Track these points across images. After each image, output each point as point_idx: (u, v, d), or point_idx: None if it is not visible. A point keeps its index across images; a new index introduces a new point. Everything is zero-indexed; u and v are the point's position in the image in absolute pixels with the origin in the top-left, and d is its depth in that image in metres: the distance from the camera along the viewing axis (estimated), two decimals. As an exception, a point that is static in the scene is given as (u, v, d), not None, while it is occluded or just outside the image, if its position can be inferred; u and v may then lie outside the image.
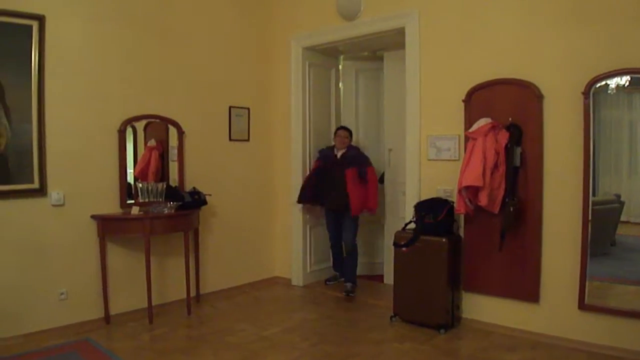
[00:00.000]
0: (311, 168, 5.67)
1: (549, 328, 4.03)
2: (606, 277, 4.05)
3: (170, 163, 5.05)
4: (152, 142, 4.94)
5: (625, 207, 4.12)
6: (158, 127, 4.92)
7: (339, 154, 5.40)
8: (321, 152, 5.60)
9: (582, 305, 3.88)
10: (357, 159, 5.33)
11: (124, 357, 3.70)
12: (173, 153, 5.06)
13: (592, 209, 3.97)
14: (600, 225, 4.23)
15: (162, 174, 4.96)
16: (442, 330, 4.24)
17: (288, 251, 5.85)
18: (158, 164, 4.95)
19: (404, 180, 5.01)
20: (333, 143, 5.53)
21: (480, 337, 4.14)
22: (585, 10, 3.81)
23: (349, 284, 5.43)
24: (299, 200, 5.55)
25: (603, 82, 3.77)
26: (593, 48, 3.77)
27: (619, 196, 4.28)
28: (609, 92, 3.88)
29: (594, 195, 4.09)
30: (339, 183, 5.23)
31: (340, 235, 5.55)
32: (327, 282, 5.87)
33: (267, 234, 5.92)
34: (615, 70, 3.67)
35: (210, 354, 3.84)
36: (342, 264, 5.60)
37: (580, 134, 3.82)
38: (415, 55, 4.69)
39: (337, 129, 5.54)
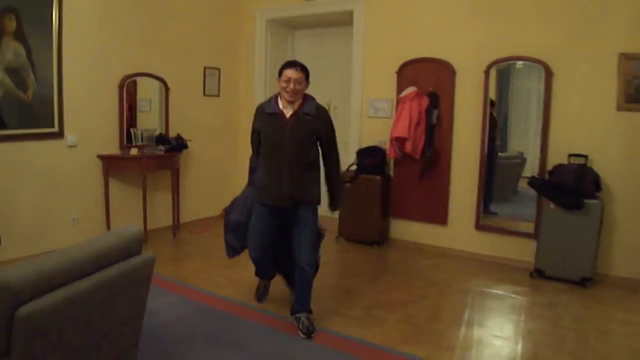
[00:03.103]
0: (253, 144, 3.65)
1: (454, 243, 5.48)
2: (505, 215, 5.48)
3: (139, 114, 5.82)
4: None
5: (528, 164, 5.29)
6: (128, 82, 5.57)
7: (287, 112, 3.35)
8: (258, 112, 3.52)
9: (478, 226, 5.33)
10: (320, 122, 3.42)
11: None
12: (142, 105, 5.89)
13: (498, 162, 5.35)
14: (505, 176, 5.61)
15: (131, 123, 5.65)
16: (375, 246, 5.62)
17: (248, 189, 6.97)
18: (128, 114, 5.64)
19: (347, 132, 6.22)
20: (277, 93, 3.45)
21: (403, 250, 5.57)
22: (488, 9, 5.10)
23: (304, 315, 3.50)
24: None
25: (504, 65, 5.11)
26: (492, 38, 5.08)
27: (522, 153, 5.59)
28: (517, 66, 5.16)
29: (503, 151, 5.45)
30: (295, 162, 3.34)
31: (275, 242, 3.60)
32: (260, 299, 3.96)
33: (232, 173, 6.99)
34: (507, 57, 5.04)
35: (201, 260, 5.04)
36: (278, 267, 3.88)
37: (481, 101, 5.19)
38: (360, 33, 5.89)
39: (284, 65, 3.39)
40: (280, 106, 3.37)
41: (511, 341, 3.45)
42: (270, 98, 3.49)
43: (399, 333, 3.51)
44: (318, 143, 3.47)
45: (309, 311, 3.54)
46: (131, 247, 2.45)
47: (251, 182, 3.73)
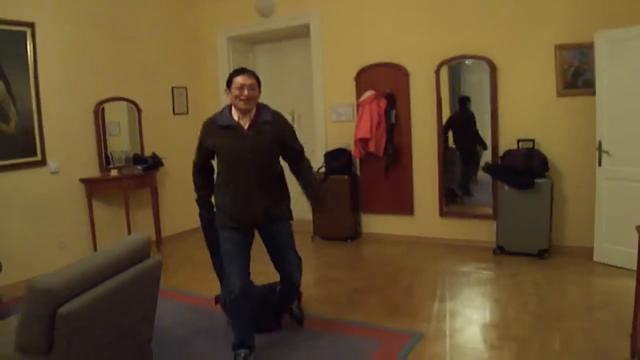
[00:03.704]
0: (196, 161, 3.39)
1: (421, 231, 5.91)
2: (470, 202, 5.98)
3: (109, 137, 5.98)
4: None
5: (485, 154, 5.59)
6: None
7: (244, 123, 3.08)
8: (209, 126, 3.21)
9: (442, 214, 5.78)
10: (281, 128, 3.19)
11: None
12: (111, 127, 6.05)
13: (456, 154, 5.87)
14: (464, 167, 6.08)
15: (104, 145, 5.84)
16: (348, 241, 6.02)
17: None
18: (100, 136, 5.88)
19: (311, 139, 6.57)
20: (229, 103, 3.16)
21: (375, 242, 5.99)
22: (435, 14, 5.58)
23: (294, 305, 3.72)
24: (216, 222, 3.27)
25: (455, 62, 5.58)
26: (440, 40, 5.56)
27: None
28: (467, 63, 5.64)
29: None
30: (262, 175, 3.13)
31: (248, 271, 3.19)
32: None
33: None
34: (454, 57, 5.51)
35: (188, 269, 5.36)
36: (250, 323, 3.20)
37: (434, 98, 5.64)
38: (318, 44, 6.30)
39: (233, 74, 3.11)
40: (236, 118, 3.08)
41: (480, 309, 3.89)
42: (222, 110, 3.18)
43: (380, 311, 3.91)
44: (283, 150, 3.25)
45: (298, 300, 3.76)
46: (142, 252, 2.78)
47: (200, 199, 3.49)
